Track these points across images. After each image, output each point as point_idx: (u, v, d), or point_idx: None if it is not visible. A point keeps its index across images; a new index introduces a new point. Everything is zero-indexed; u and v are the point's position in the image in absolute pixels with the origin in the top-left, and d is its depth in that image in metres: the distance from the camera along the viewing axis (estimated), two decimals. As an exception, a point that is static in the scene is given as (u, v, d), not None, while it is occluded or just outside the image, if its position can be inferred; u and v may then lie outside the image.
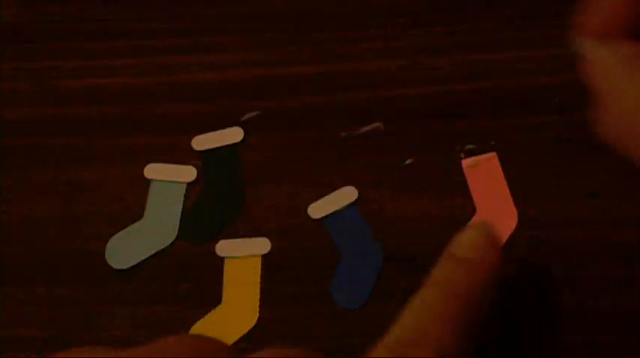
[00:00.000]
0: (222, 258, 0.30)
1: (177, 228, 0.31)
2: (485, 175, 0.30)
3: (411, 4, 0.35)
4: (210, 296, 0.30)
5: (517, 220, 0.29)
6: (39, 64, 0.34)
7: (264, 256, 0.30)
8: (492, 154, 0.30)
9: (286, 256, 0.30)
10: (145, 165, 0.32)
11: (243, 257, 0.30)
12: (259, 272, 0.30)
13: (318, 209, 0.31)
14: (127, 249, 0.30)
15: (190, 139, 0.32)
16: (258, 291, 0.30)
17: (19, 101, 0.34)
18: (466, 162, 0.30)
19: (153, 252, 0.30)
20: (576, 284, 0.29)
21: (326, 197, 0.31)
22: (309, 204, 0.31)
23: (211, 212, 0.31)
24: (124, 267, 0.30)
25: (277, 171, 0.32)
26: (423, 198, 0.31)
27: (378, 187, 0.31)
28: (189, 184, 0.32)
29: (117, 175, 0.32)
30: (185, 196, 0.31)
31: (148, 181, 0.32)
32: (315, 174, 0.32)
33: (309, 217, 0.31)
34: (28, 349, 0.29)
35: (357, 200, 0.31)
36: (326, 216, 0.31)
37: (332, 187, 0.31)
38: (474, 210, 0.31)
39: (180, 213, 0.31)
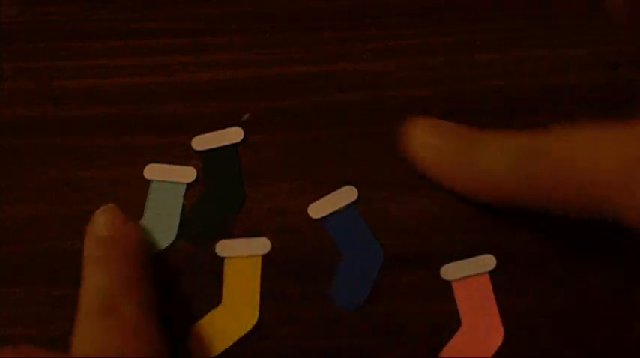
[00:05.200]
0: (222, 258, 0.30)
1: (176, 228, 0.31)
2: (474, 292, 0.30)
3: (411, 4, 0.35)
4: (210, 296, 0.30)
5: (502, 339, 0.29)
6: (39, 64, 0.34)
7: (264, 256, 0.30)
8: (485, 276, 0.30)
9: (286, 256, 0.30)
10: (145, 165, 0.32)
11: (243, 257, 0.30)
12: (259, 272, 0.30)
13: (318, 209, 0.31)
14: None
15: (190, 139, 0.32)
16: (258, 291, 0.30)
17: (19, 101, 0.33)
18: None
19: (153, 252, 0.30)
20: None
21: (326, 197, 0.31)
22: (309, 204, 0.31)
23: (211, 212, 0.31)
24: None
25: (277, 171, 0.32)
26: (423, 198, 0.31)
27: (378, 187, 0.31)
28: (189, 185, 0.32)
29: (117, 175, 0.32)
30: (185, 197, 0.31)
31: (148, 181, 0.32)
32: (315, 174, 0.32)
33: (309, 217, 0.31)
34: (28, 349, 0.29)
35: (357, 200, 0.31)
36: (326, 216, 0.31)
37: (332, 187, 0.31)
38: (472, 209, 0.31)
39: (179, 214, 0.31)
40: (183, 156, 0.32)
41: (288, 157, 0.32)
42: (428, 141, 0.30)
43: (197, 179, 0.32)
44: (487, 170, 0.28)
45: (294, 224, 0.31)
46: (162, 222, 0.31)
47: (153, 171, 0.32)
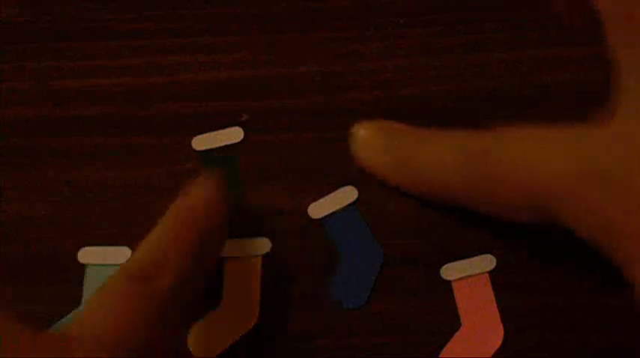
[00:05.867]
0: (223, 258, 0.30)
1: None
2: (474, 292, 0.30)
3: (411, 4, 0.35)
4: (210, 296, 0.30)
5: (502, 339, 0.29)
6: (39, 64, 0.34)
7: (264, 256, 0.30)
8: (485, 275, 0.30)
9: (286, 256, 0.30)
10: (144, 165, 0.32)
11: (243, 257, 0.30)
12: (259, 272, 0.30)
13: (318, 209, 0.31)
14: None
15: (190, 139, 0.32)
16: (258, 291, 0.30)
17: (19, 101, 0.33)
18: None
19: None
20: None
21: (326, 197, 0.31)
22: (309, 204, 0.31)
23: None
24: None
25: (277, 171, 0.32)
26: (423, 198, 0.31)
27: (378, 187, 0.31)
28: None
29: (117, 175, 0.32)
30: None
31: (149, 181, 0.32)
32: (315, 174, 0.32)
33: (309, 217, 0.31)
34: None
35: (357, 200, 0.31)
36: (326, 216, 0.31)
37: (332, 187, 0.31)
38: (473, 211, 0.31)
39: None
40: (183, 156, 0.32)
41: (288, 157, 0.32)
42: (373, 142, 0.30)
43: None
44: (432, 168, 0.28)
45: (294, 224, 0.31)
46: None
47: (87, 255, 0.30)
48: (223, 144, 0.32)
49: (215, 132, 0.32)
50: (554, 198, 0.24)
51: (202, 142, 0.32)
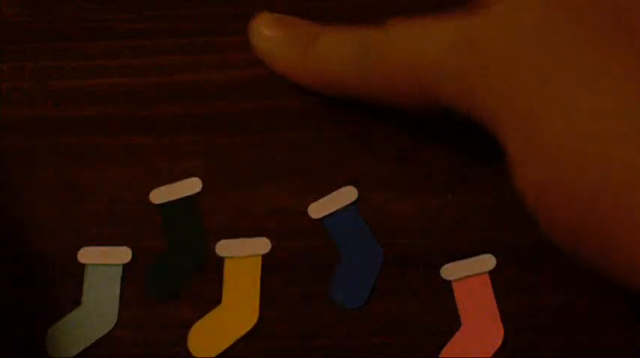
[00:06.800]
0: (222, 258, 0.30)
1: (117, 312, 0.29)
2: (474, 292, 0.30)
3: (411, 4, 0.34)
4: (210, 296, 0.30)
5: (502, 339, 0.29)
6: (39, 64, 0.34)
7: (264, 256, 0.30)
8: (485, 275, 0.30)
9: (286, 256, 0.30)
10: (144, 165, 0.32)
11: (243, 257, 0.30)
12: (259, 272, 0.30)
13: (318, 209, 0.31)
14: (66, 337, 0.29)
15: (190, 139, 0.32)
16: (258, 291, 0.30)
17: (19, 101, 0.34)
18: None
19: (93, 340, 0.29)
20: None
21: (326, 197, 0.31)
22: (309, 204, 0.31)
23: (174, 271, 0.30)
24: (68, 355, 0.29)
25: (277, 171, 0.32)
26: (423, 198, 0.31)
27: (378, 187, 0.31)
28: (125, 265, 0.30)
29: (117, 175, 0.32)
30: (122, 278, 0.30)
31: (148, 182, 0.32)
32: (315, 174, 0.32)
33: (309, 217, 0.31)
34: (28, 349, 0.29)
35: (357, 200, 0.31)
36: (326, 216, 0.31)
37: (332, 187, 0.31)
38: (473, 209, 0.31)
39: (118, 297, 0.30)
40: (182, 156, 0.32)
41: (288, 157, 0.32)
42: (269, 35, 0.31)
43: (133, 258, 0.30)
44: (324, 63, 0.28)
45: (294, 224, 0.31)
46: (102, 306, 0.29)
47: (87, 255, 0.30)
48: (182, 195, 0.31)
49: (174, 184, 0.32)
50: (438, 81, 0.25)
51: (161, 195, 0.31)
